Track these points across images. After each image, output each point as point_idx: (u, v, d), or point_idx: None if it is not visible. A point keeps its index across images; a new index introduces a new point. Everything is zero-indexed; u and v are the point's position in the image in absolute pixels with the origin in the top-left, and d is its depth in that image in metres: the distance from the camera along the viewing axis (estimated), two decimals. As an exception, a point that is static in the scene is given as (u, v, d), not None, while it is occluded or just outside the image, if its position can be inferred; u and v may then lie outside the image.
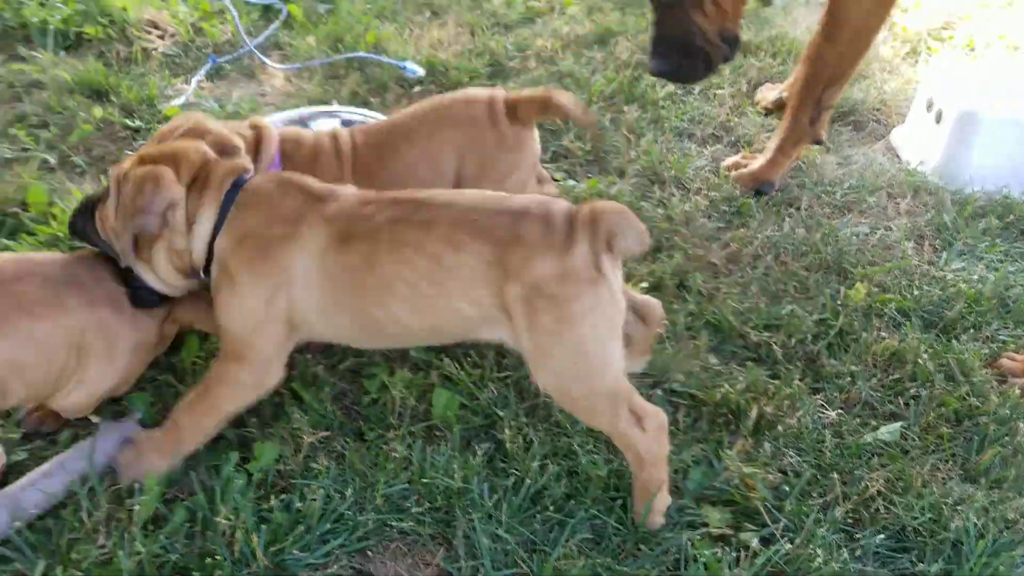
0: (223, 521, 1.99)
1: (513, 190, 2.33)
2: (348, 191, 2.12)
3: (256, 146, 2.50)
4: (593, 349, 1.90)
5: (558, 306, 1.86)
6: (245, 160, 2.27)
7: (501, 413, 2.33)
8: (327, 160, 2.56)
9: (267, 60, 4.19)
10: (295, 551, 1.97)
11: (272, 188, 2.10)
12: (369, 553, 2.02)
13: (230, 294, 2.05)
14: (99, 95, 3.79)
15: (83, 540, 1.99)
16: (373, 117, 3.44)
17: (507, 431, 2.26)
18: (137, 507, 2.04)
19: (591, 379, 1.94)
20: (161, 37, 4.38)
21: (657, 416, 1.99)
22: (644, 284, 2.84)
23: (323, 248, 2.00)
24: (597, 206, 1.91)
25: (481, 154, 2.60)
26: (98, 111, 3.63)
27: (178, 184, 2.07)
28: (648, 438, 1.97)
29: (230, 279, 2.04)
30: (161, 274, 2.17)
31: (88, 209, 2.23)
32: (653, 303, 2.30)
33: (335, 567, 1.98)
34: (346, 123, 3.37)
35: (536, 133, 2.74)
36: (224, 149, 2.27)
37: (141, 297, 2.21)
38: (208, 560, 1.92)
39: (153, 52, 4.23)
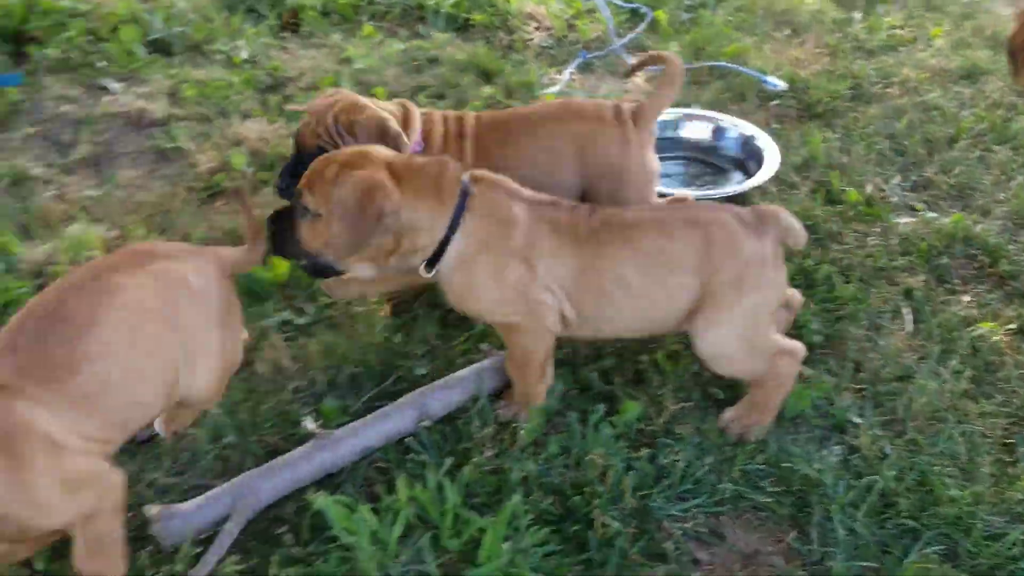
0: (597, 459, 2.23)
1: (636, 196, 2.65)
2: (544, 198, 2.33)
3: (404, 125, 2.64)
4: (767, 319, 2.33)
5: (756, 285, 2.26)
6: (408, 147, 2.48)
7: (856, 420, 2.39)
8: (452, 141, 2.70)
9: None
10: (659, 500, 2.17)
11: (495, 196, 2.28)
12: (723, 518, 2.18)
13: (488, 286, 2.28)
14: (486, 75, 4.25)
15: (473, 450, 2.32)
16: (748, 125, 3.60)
17: (863, 438, 2.32)
18: (522, 432, 2.34)
19: (761, 342, 2.32)
20: (537, 29, 4.82)
21: (800, 346, 2.39)
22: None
23: (557, 249, 2.26)
24: (773, 208, 2.34)
25: (605, 156, 2.66)
26: (486, 89, 4.08)
27: (398, 192, 2.19)
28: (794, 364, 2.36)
29: (479, 280, 2.27)
30: (366, 267, 2.35)
31: (284, 224, 2.32)
32: (796, 294, 2.65)
33: (691, 523, 2.16)
34: (719, 129, 3.56)
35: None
36: (386, 135, 2.49)
37: (321, 270, 2.38)
38: (586, 489, 2.17)
39: (530, 42, 4.66)
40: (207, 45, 4.49)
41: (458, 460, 2.27)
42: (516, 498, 2.11)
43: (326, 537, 2.12)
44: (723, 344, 2.32)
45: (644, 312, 2.34)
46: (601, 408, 2.42)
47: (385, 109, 2.66)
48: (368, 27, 4.69)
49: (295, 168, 2.60)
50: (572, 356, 2.63)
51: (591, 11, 4.96)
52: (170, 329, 2.08)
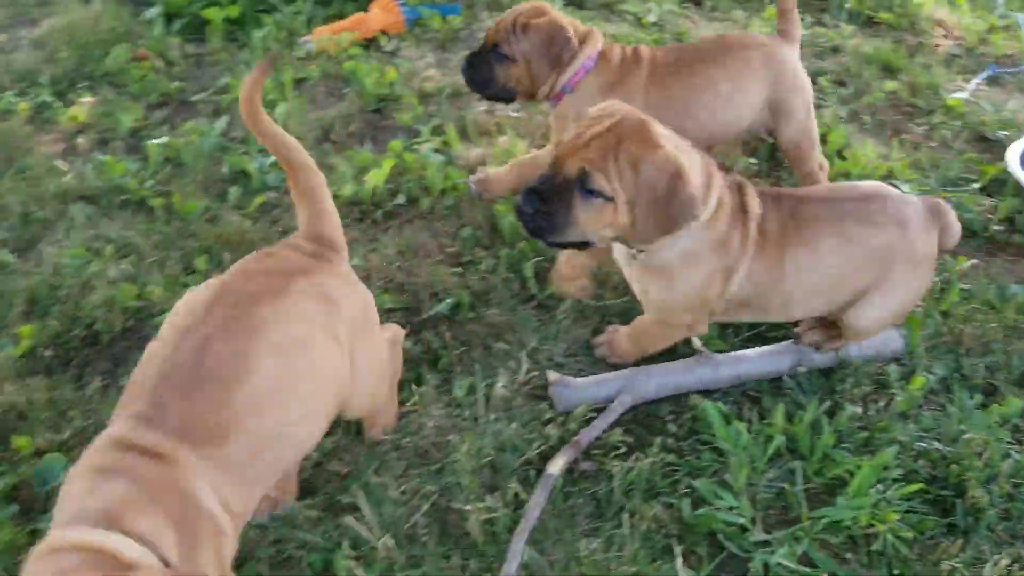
0: (976, 438, 2.27)
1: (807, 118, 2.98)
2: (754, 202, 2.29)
3: (582, 41, 2.92)
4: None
5: (921, 281, 2.39)
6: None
7: None
8: (629, 68, 2.90)
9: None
10: (1036, 496, 2.18)
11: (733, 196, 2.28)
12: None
13: (692, 285, 2.29)
14: (890, 71, 4.24)
15: (844, 403, 2.44)
16: None
17: None
18: (898, 399, 2.43)
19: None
20: (945, 37, 4.68)
21: None
22: None
23: (756, 256, 2.28)
24: (943, 204, 2.41)
25: (794, 79, 2.96)
26: (890, 84, 4.08)
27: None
28: None
29: (691, 277, 2.28)
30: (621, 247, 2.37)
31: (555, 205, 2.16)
32: None
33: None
34: None
35: None
36: (555, 41, 2.87)
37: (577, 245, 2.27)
38: (962, 462, 2.23)
39: (937, 48, 4.55)
40: (619, 5, 4.87)
41: (831, 408, 2.42)
42: (891, 451, 2.22)
43: (699, 439, 2.36)
44: (875, 324, 2.42)
45: (814, 304, 2.40)
46: (979, 397, 2.44)
47: (574, 27, 2.94)
48: (771, 9, 4.83)
49: (472, 58, 3.04)
50: (955, 343, 2.65)
51: (1008, 28, 4.73)
52: (328, 358, 1.83)
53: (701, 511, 2.14)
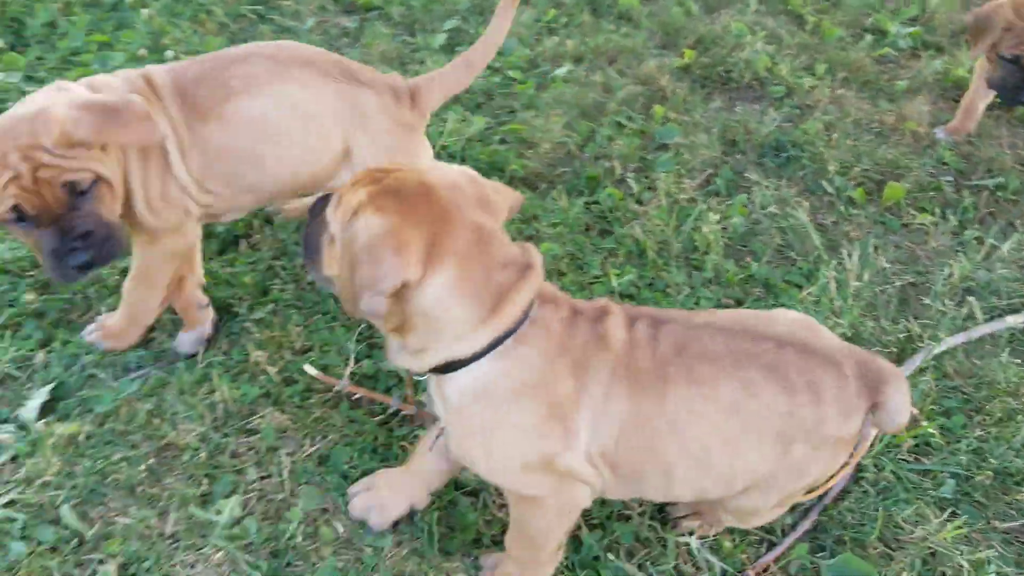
0: None
1: None
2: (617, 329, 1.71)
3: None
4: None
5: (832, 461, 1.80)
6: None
7: None
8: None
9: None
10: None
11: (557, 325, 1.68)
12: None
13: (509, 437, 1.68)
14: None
15: None
16: None
17: None
18: None
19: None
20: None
21: None
22: None
23: (608, 394, 1.68)
24: (888, 371, 1.77)
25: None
26: None
27: (419, 265, 1.53)
28: None
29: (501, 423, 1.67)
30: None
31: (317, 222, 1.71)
32: None
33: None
34: None
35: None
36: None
37: None
38: None
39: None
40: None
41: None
42: None
43: None
44: (759, 504, 1.89)
45: (710, 478, 1.78)
46: None
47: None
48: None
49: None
50: None
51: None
52: None
53: None
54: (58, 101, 1.88)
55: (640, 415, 1.68)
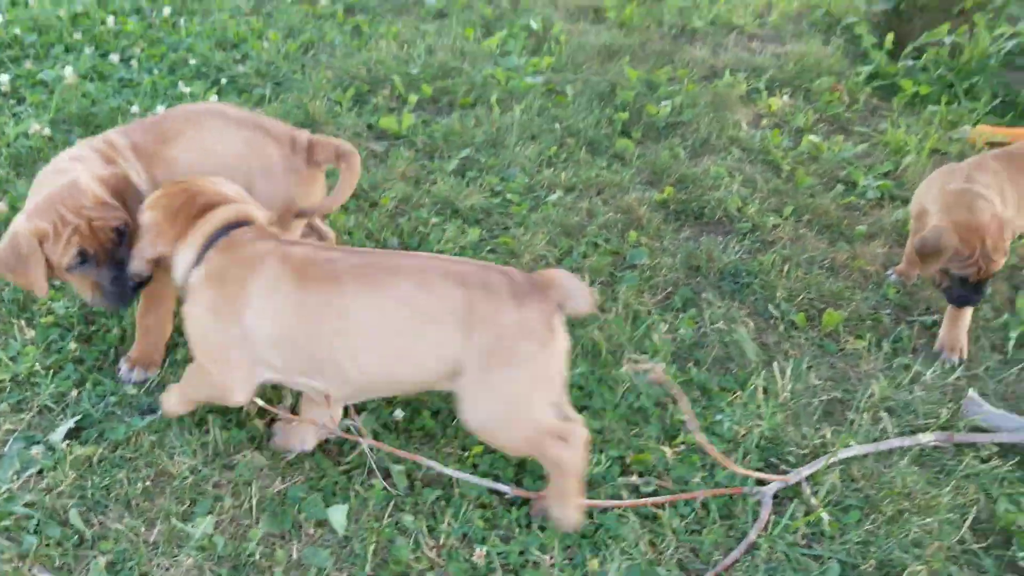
0: None
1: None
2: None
3: None
4: (529, 395, 2.23)
5: (513, 354, 2.15)
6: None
7: None
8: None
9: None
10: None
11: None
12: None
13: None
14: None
15: None
16: None
17: None
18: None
19: (524, 419, 2.24)
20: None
21: (580, 432, 2.32)
22: None
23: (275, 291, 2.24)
24: (550, 272, 2.25)
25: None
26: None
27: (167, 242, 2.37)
28: (572, 450, 2.27)
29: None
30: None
31: None
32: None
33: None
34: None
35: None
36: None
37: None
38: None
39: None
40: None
41: None
42: None
43: None
44: (480, 415, 2.24)
45: (389, 367, 2.24)
46: None
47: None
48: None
49: None
50: None
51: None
52: None
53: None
54: (80, 172, 2.54)
55: (310, 306, 2.19)
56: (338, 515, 2.37)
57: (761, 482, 2.62)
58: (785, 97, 5.05)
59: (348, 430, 2.54)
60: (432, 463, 2.49)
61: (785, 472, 2.70)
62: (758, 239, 3.80)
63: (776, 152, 4.43)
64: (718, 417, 2.85)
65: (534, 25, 5.52)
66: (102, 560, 2.22)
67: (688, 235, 3.81)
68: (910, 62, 5.32)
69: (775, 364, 3.08)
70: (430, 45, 5.14)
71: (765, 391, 2.96)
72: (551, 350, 2.21)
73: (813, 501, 2.59)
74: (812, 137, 4.57)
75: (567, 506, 2.36)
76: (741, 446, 2.76)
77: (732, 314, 3.33)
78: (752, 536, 2.46)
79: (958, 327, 3.27)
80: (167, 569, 2.24)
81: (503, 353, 2.16)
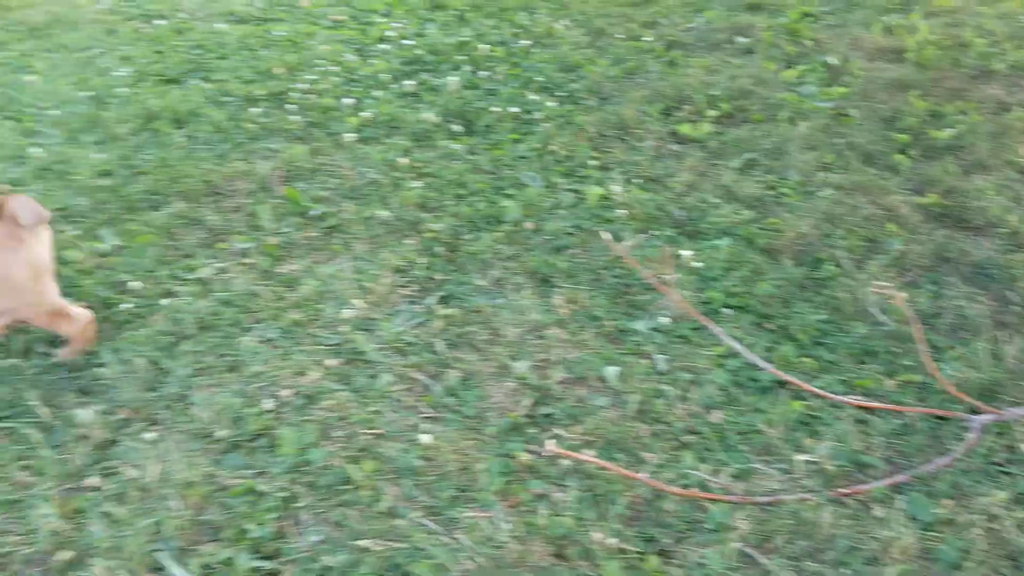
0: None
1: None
2: None
3: None
4: (29, 286, 3.08)
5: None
6: None
7: None
8: None
9: None
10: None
11: None
12: None
13: None
14: None
15: None
16: None
17: None
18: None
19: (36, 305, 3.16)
20: None
21: (86, 316, 3.29)
22: None
23: None
24: (2, 198, 2.95)
25: None
26: None
27: None
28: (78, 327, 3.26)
29: None
30: None
31: None
32: None
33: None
34: None
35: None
36: None
37: None
38: None
39: None
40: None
41: None
42: None
43: None
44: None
45: None
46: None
47: None
48: None
49: None
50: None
51: None
52: None
53: None
54: None
55: None
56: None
57: (975, 412, 3.12)
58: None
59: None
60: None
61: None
62: (1015, 243, 4.14)
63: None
64: (942, 366, 3.35)
65: (833, 61, 6.13)
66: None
67: (945, 234, 4.25)
68: None
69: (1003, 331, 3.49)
70: (734, 74, 5.97)
71: (993, 355, 3.40)
72: (19, 255, 3.04)
73: (1022, 447, 3.01)
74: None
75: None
76: (960, 388, 3.23)
77: (973, 296, 3.77)
78: (957, 453, 2.96)
79: None
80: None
81: None
